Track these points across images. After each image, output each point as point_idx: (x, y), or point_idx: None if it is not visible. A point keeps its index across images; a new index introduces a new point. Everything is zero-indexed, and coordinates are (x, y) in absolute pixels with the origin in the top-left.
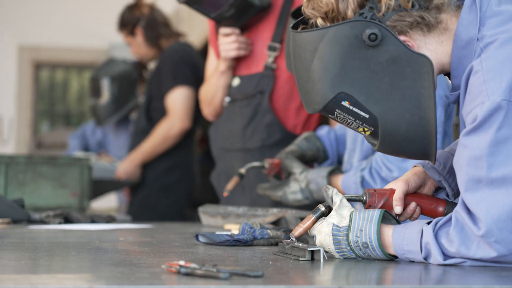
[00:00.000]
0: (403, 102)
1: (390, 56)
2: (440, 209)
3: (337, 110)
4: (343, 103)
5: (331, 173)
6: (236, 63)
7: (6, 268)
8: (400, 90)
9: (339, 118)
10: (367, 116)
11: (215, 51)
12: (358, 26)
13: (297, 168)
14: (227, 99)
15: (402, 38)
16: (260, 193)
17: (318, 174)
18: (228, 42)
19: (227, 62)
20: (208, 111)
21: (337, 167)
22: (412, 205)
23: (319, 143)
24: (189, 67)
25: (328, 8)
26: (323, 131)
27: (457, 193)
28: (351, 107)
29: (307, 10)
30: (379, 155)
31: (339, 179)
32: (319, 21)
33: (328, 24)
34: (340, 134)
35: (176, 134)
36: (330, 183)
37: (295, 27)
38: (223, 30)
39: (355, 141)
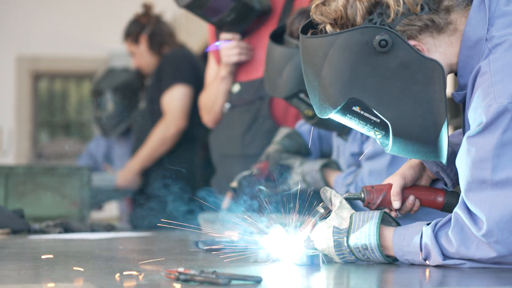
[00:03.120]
0: (414, 107)
1: (401, 61)
2: (440, 199)
3: (348, 115)
4: (354, 108)
5: (325, 166)
6: (236, 69)
7: (6, 279)
8: (411, 95)
9: (350, 123)
10: (378, 120)
11: (215, 58)
12: (368, 32)
13: (294, 161)
14: (227, 105)
15: (412, 42)
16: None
17: (312, 168)
18: (230, 48)
19: (228, 68)
20: (208, 118)
21: (330, 160)
22: (411, 198)
23: (301, 140)
24: (188, 66)
25: (337, 14)
26: (305, 127)
27: (456, 183)
28: (362, 112)
29: (315, 16)
30: (364, 175)
31: (332, 176)
32: (328, 28)
33: (338, 30)
34: (323, 132)
35: (173, 135)
36: (324, 176)
37: (304, 31)
38: (224, 35)
39: (338, 151)
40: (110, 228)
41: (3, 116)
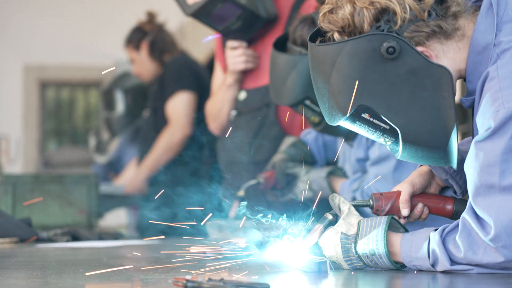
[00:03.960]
0: (423, 113)
1: (409, 68)
2: (449, 207)
3: (357, 122)
4: (363, 115)
5: (331, 174)
6: (243, 76)
7: (14, 287)
8: (420, 101)
9: (360, 130)
10: (388, 127)
11: (221, 65)
12: (376, 39)
13: (300, 170)
14: (233, 112)
15: (420, 49)
16: (272, 199)
17: (318, 175)
18: (236, 55)
19: (235, 76)
20: (214, 126)
21: (336, 167)
22: (419, 206)
23: (306, 148)
24: (190, 72)
25: (344, 22)
26: (310, 136)
27: (465, 191)
28: (371, 119)
29: (323, 24)
30: (370, 180)
31: (338, 183)
32: (336, 35)
33: (346, 38)
34: (329, 140)
35: (179, 142)
36: (330, 183)
37: (312, 39)
38: (231, 43)
39: (344, 157)
40: (118, 236)
41: (11, 124)
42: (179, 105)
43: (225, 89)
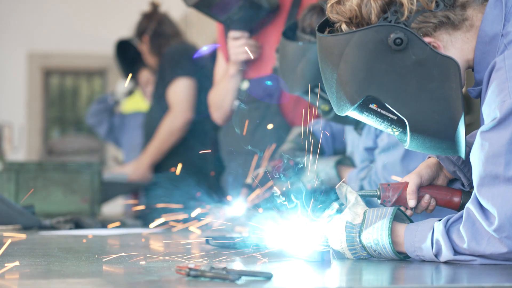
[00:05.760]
0: (431, 104)
1: (417, 59)
2: (456, 199)
3: (365, 112)
4: (371, 106)
5: (339, 163)
6: (245, 66)
7: (17, 274)
8: (427, 92)
9: (368, 120)
10: (395, 117)
11: (224, 55)
12: (383, 30)
13: (308, 159)
14: (236, 102)
15: (427, 40)
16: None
17: (326, 164)
18: (238, 46)
19: (237, 66)
20: (217, 115)
21: (344, 157)
22: (426, 197)
23: (314, 138)
24: (187, 58)
25: (352, 14)
26: (318, 125)
27: (472, 183)
28: (379, 110)
29: (331, 15)
30: (378, 168)
31: (346, 172)
32: (344, 26)
33: (353, 29)
34: (336, 130)
35: (180, 127)
36: (338, 173)
37: (320, 30)
38: (233, 33)
39: (352, 146)
40: (121, 224)
41: (14, 112)
42: (178, 91)
43: (227, 79)
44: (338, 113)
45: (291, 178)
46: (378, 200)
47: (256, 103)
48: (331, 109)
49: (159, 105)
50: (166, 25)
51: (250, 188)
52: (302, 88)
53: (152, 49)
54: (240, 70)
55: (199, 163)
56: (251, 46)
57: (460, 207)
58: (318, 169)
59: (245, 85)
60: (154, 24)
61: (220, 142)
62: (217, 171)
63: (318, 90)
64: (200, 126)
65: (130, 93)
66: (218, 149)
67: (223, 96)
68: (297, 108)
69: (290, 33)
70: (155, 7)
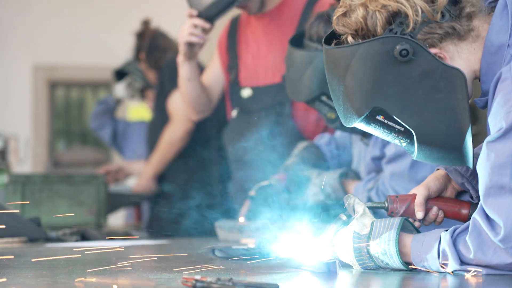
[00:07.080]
0: (438, 115)
1: (423, 70)
2: (464, 211)
3: (372, 124)
4: (377, 117)
5: (343, 176)
6: (250, 73)
7: (23, 286)
8: (434, 103)
9: (375, 131)
10: (402, 129)
11: (222, 65)
12: (389, 42)
13: (312, 173)
14: (235, 111)
15: (433, 51)
16: (284, 203)
17: (331, 177)
18: (185, 27)
19: (184, 49)
20: (190, 112)
21: (349, 169)
22: (434, 209)
23: (319, 153)
24: None
25: (357, 26)
26: (323, 140)
27: None
28: (386, 121)
29: (337, 27)
30: (385, 178)
31: (351, 185)
32: (350, 39)
33: (360, 41)
34: (341, 143)
35: (181, 137)
36: (343, 187)
37: (327, 42)
38: (195, 20)
39: (359, 157)
40: (127, 236)
41: (20, 124)
42: (177, 102)
43: (179, 67)
44: (345, 125)
45: (295, 192)
46: (386, 212)
47: (265, 111)
48: (337, 117)
49: (161, 117)
50: (159, 39)
51: (253, 201)
52: (308, 96)
53: (150, 64)
54: (188, 54)
55: (204, 172)
56: (196, 28)
57: (468, 219)
58: (323, 183)
59: (247, 92)
60: (148, 40)
61: (225, 150)
62: (222, 179)
63: (325, 98)
64: (203, 134)
65: (132, 96)
66: (223, 156)
67: (182, 90)
68: (308, 116)
69: (296, 42)
70: (146, 24)
